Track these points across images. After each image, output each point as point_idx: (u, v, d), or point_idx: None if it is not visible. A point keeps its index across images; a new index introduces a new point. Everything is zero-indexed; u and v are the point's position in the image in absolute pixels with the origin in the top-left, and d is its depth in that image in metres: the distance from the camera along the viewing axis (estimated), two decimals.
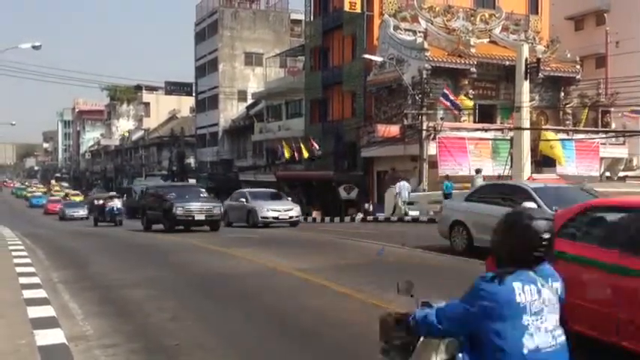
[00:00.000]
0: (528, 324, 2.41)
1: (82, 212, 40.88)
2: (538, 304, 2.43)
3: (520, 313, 2.40)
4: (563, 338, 2.51)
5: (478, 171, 22.46)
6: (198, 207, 19.36)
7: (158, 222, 20.46)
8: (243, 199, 22.27)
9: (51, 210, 47.22)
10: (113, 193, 40.02)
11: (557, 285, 2.54)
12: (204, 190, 22.79)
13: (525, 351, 2.38)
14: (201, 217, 19.25)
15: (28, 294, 7.39)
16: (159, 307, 7.25)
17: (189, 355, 5.39)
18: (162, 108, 76.74)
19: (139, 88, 77.51)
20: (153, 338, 5.97)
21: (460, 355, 2.55)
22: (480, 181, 21.30)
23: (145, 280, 9.37)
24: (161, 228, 20.32)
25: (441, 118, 26.71)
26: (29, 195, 75.15)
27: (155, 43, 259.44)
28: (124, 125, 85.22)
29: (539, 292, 2.44)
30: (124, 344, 5.69)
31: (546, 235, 2.47)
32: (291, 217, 21.54)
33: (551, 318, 2.47)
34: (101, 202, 32.97)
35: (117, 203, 30.07)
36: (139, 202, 32.78)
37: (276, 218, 21.35)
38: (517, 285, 2.40)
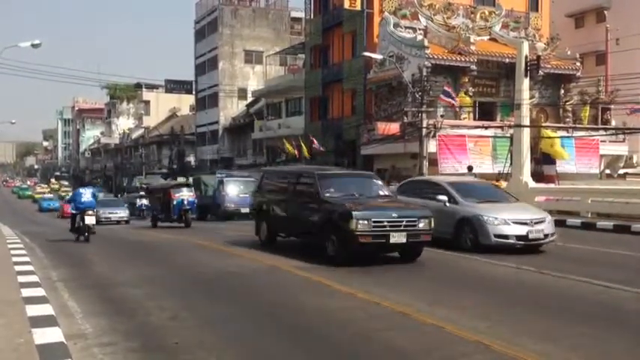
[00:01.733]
0: (83, 196, 15.27)
1: (122, 213, 32.34)
2: (84, 191, 15.74)
3: (81, 194, 15.37)
4: (92, 200, 15.56)
5: (470, 169, 22.31)
6: (394, 218, 9.94)
7: (299, 234, 12.03)
8: (443, 197, 12.14)
9: (69, 213, 41.33)
10: (182, 180, 31.85)
11: (92, 190, 16.88)
12: (380, 182, 12.27)
13: (82, 200, 15.10)
14: (401, 238, 9.84)
15: (26, 292, 7.36)
16: (159, 306, 7.23)
17: (188, 354, 5.36)
18: (163, 106, 76.73)
19: (139, 86, 77.58)
20: (152, 337, 5.95)
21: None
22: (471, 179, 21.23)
23: (146, 279, 9.35)
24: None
25: (441, 116, 26.69)
26: (37, 196, 63.20)
27: (155, 41, 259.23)
28: (124, 123, 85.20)
29: (88, 189, 16.29)
30: (122, 343, 5.67)
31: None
32: (545, 237, 11.63)
33: (87, 195, 15.45)
34: (138, 195, 30.04)
35: (187, 194, 22.15)
36: (214, 201, 27.17)
37: (524, 239, 11.38)
38: (81, 189, 16.51)
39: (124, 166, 75.49)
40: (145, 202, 35.11)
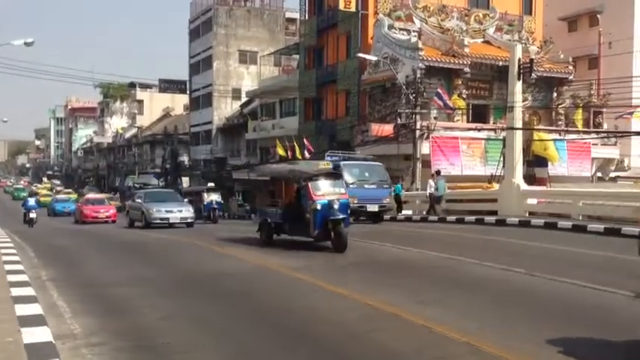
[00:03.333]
0: (29, 202, 27.52)
1: (185, 212, 22.52)
2: (30, 199, 29.03)
3: (29, 201, 28.07)
4: (34, 204, 27.84)
5: (438, 172, 22.06)
6: None
7: None
8: None
9: (90, 216, 28.99)
10: (324, 164, 17.16)
11: (35, 198, 33.48)
12: None
13: (29, 205, 27.13)
14: None
15: (16, 292, 7.33)
16: (149, 306, 7.21)
17: (179, 354, 5.35)
18: (156, 106, 76.54)
19: (132, 85, 77.37)
20: (142, 337, 5.93)
21: None
22: (442, 184, 21.17)
23: (136, 278, 9.32)
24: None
25: (435, 118, 26.77)
26: (44, 199, 50.37)
27: (149, 40, 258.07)
28: (117, 123, 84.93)
29: (32, 198, 30.24)
30: (111, 342, 5.65)
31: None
32: None
33: (32, 201, 28.17)
34: (205, 188, 26.15)
35: (336, 192, 12.63)
36: None
37: None
38: (29, 198, 29.53)
39: (117, 166, 75.22)
40: (215, 198, 27.50)
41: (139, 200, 23.60)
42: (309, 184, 12.39)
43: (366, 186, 19.52)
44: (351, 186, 17.88)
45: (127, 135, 77.60)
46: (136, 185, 48.90)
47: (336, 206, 11.98)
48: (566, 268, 9.66)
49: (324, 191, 12.46)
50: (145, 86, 75.82)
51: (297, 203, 12.86)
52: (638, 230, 14.36)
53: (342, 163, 20.21)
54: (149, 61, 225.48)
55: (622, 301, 7.32)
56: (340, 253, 11.41)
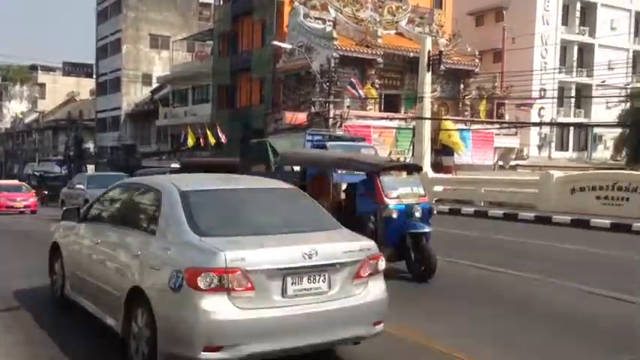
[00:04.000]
0: None
1: None
2: None
3: None
4: None
5: None
6: None
7: None
8: None
9: (4, 205, 24.54)
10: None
11: None
12: None
13: None
14: None
15: None
16: (44, 298, 6.79)
17: (77, 348, 5.08)
18: (60, 90, 72.44)
19: (33, 68, 72.84)
20: (37, 329, 5.58)
21: None
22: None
23: (29, 269, 8.76)
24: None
25: (348, 107, 27.13)
26: None
27: (53, 19, 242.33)
28: (16, 107, 79.63)
29: None
30: (1, 336, 5.28)
31: None
32: None
33: None
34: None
35: (414, 192, 8.78)
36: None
37: None
38: None
39: (16, 152, 70.64)
40: None
41: (80, 186, 18.56)
42: (379, 181, 8.56)
43: (356, 172, 14.84)
44: (339, 172, 11.79)
45: (27, 120, 73.04)
46: (35, 173, 46.22)
47: (417, 214, 8.42)
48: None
49: (400, 192, 8.71)
50: (48, 69, 71.55)
51: (351, 205, 9.11)
52: (533, 215, 15.32)
53: (327, 144, 16.46)
54: (52, 43, 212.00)
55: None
56: (424, 282, 7.91)
